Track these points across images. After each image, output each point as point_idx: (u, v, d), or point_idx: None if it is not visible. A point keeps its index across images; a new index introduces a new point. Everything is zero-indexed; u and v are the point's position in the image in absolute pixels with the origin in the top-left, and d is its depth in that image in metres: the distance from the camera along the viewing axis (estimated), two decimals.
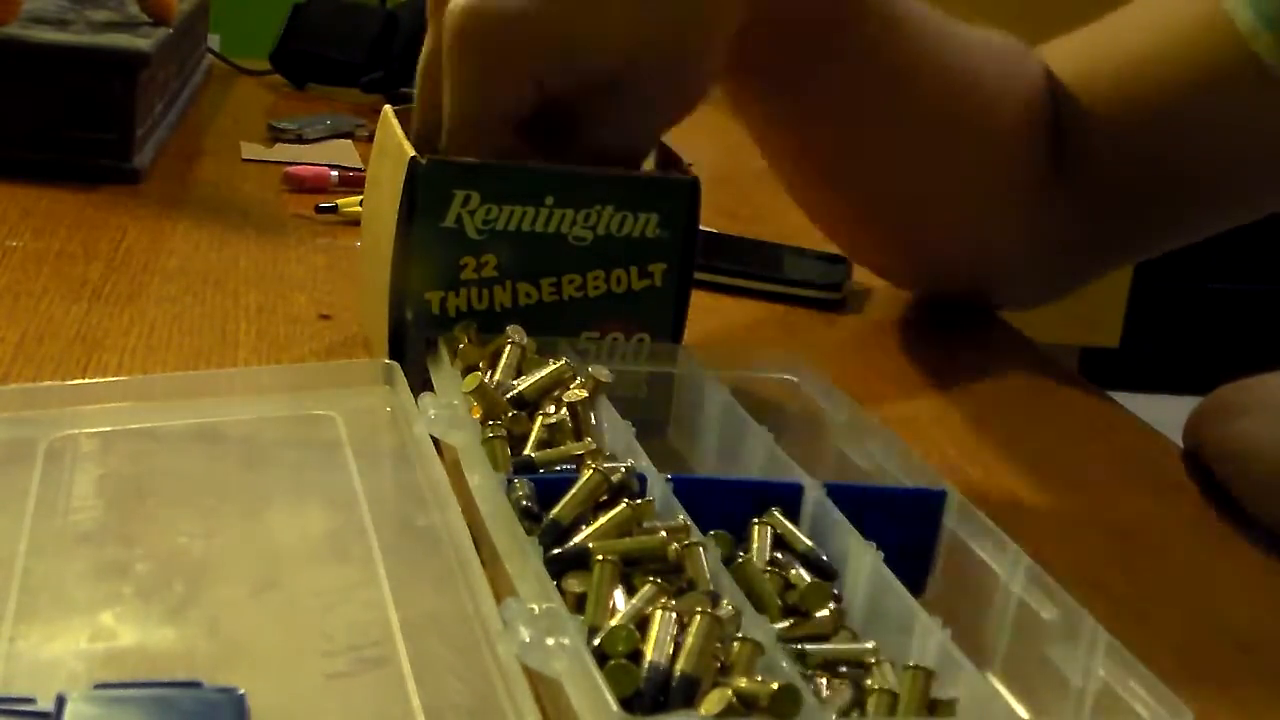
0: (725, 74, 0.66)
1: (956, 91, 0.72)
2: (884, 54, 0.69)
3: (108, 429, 0.52)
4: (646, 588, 0.40)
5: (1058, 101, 0.75)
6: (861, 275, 0.85)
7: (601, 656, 0.37)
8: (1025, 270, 0.80)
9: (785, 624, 0.43)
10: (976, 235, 0.77)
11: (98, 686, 0.38)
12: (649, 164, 0.63)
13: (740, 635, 0.39)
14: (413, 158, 0.56)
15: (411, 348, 0.57)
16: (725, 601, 0.40)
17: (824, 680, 0.40)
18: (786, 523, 0.47)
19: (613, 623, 0.38)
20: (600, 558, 0.40)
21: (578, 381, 0.52)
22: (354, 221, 0.83)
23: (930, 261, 0.80)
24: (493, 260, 0.57)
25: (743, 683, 0.37)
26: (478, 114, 0.58)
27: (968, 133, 0.73)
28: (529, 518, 0.44)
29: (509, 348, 0.54)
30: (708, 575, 0.41)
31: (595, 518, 0.44)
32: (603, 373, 0.52)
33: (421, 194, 0.56)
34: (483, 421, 0.49)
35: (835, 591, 0.44)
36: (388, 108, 0.62)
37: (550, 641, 0.36)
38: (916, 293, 0.83)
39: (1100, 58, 0.75)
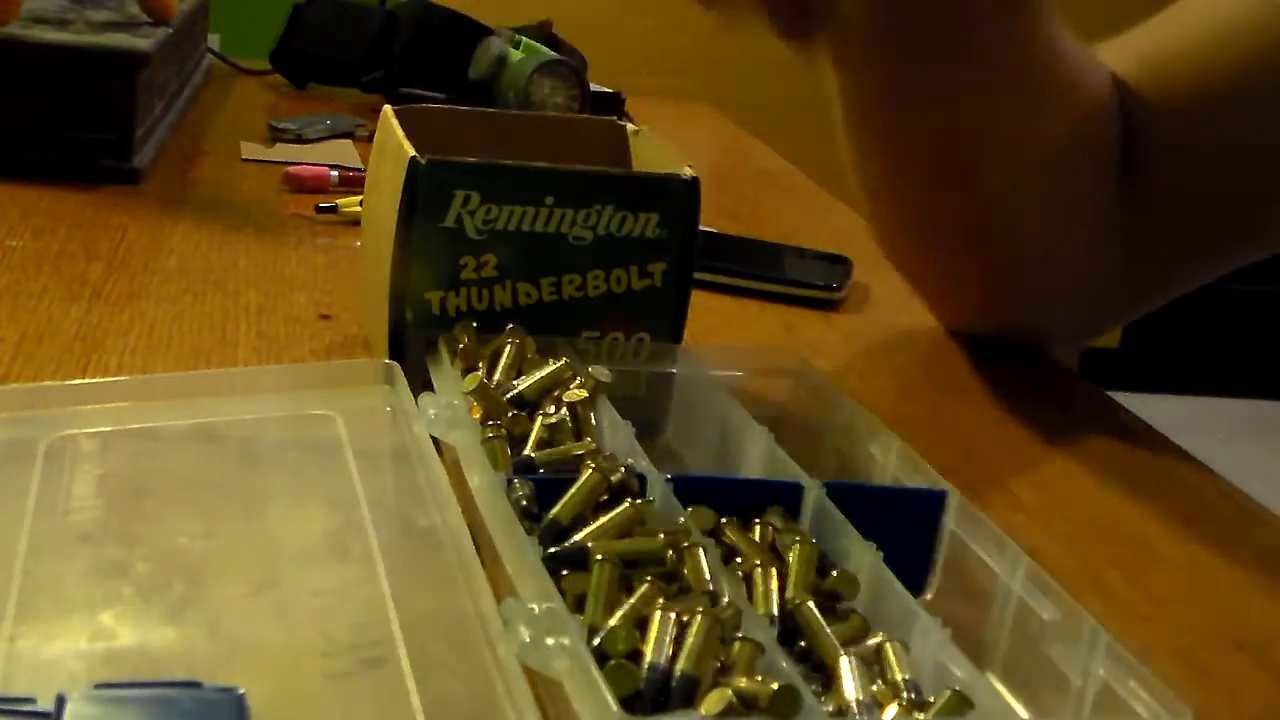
0: (855, 33, 0.66)
1: (1062, 102, 0.71)
2: (1020, 49, 0.68)
3: (108, 429, 0.52)
4: (645, 587, 0.40)
5: (1127, 109, 0.73)
6: (861, 275, 0.85)
7: (601, 656, 0.37)
8: (1084, 303, 0.77)
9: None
10: (1047, 262, 0.75)
11: (98, 686, 0.37)
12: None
13: (740, 635, 0.39)
14: (413, 158, 0.56)
15: (411, 348, 0.57)
16: (725, 601, 0.40)
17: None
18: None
19: (612, 622, 0.38)
20: (600, 558, 0.40)
21: (578, 381, 0.52)
22: (354, 221, 0.83)
23: (993, 291, 0.77)
24: (493, 260, 0.57)
25: (743, 683, 0.37)
26: None
27: (1054, 144, 0.71)
28: (529, 518, 0.44)
29: (509, 348, 0.54)
30: (707, 575, 0.41)
31: (595, 518, 0.44)
32: (603, 373, 0.52)
33: (421, 194, 0.56)
34: (483, 421, 0.49)
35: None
36: (388, 108, 0.62)
37: (550, 641, 0.36)
38: (972, 332, 0.79)
39: (1168, 47, 0.73)
